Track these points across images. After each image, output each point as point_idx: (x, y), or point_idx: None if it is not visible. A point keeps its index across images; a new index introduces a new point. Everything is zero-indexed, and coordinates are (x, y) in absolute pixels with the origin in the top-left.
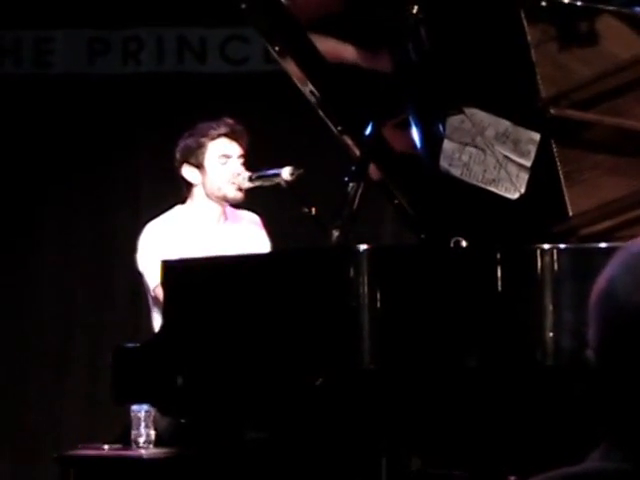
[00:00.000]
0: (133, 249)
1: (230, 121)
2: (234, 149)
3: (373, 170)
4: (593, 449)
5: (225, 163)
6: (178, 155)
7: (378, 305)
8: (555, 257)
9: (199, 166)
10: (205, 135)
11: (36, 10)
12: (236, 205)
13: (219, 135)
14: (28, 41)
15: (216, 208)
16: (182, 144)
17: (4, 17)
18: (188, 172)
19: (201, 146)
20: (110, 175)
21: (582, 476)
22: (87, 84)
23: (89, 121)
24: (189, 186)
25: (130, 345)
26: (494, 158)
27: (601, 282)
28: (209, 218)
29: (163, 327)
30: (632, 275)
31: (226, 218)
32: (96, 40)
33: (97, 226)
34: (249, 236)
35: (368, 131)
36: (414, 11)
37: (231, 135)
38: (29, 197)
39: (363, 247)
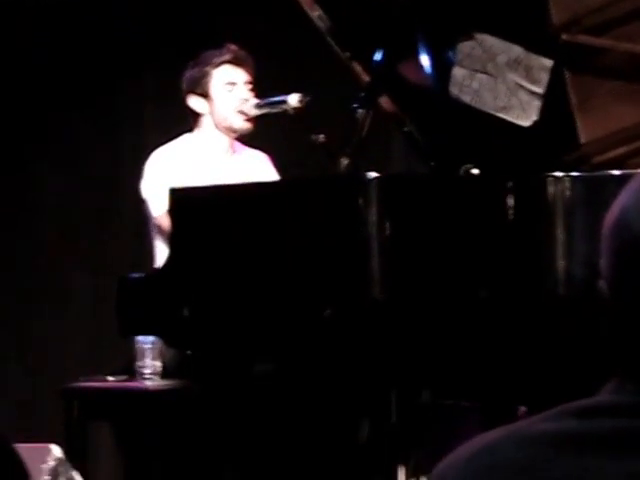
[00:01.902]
0: (138, 176)
1: (233, 47)
2: (239, 75)
3: (382, 97)
4: (606, 382)
5: (231, 90)
6: (184, 86)
7: (387, 234)
8: (567, 185)
9: (205, 95)
10: (208, 63)
11: None
12: (245, 142)
13: (222, 62)
14: None
15: (224, 139)
16: (187, 74)
17: None
18: (195, 102)
19: (205, 75)
20: (113, 99)
21: (594, 409)
22: (91, 2)
23: (93, 48)
24: (196, 116)
25: (135, 275)
26: (505, 85)
27: (613, 212)
28: (217, 149)
29: (170, 257)
30: None
31: (234, 151)
32: None
33: (100, 152)
34: (257, 171)
35: (377, 58)
36: None
37: (235, 61)
38: (29, 124)
39: (372, 175)
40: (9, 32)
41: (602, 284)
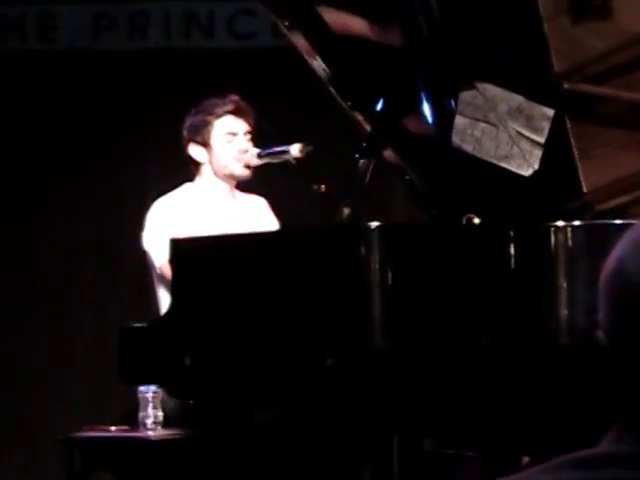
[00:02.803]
0: (139, 226)
1: (235, 97)
2: (240, 126)
3: (384, 146)
4: (607, 431)
5: (231, 141)
6: (185, 134)
7: (389, 283)
8: (569, 234)
9: (205, 144)
10: (210, 113)
11: None
12: (243, 188)
13: (224, 112)
14: (32, 16)
15: (224, 187)
16: (188, 122)
17: None
18: (195, 151)
19: (207, 124)
20: (116, 152)
21: (593, 460)
22: (92, 60)
23: (94, 98)
24: (197, 165)
25: (137, 325)
26: (507, 134)
27: (611, 261)
28: (217, 196)
29: (171, 306)
30: None
31: (233, 197)
32: (101, 15)
33: (102, 203)
34: (257, 217)
35: (379, 106)
36: None
37: (237, 112)
38: (33, 174)
39: (374, 224)
40: (14, 83)
41: (600, 334)
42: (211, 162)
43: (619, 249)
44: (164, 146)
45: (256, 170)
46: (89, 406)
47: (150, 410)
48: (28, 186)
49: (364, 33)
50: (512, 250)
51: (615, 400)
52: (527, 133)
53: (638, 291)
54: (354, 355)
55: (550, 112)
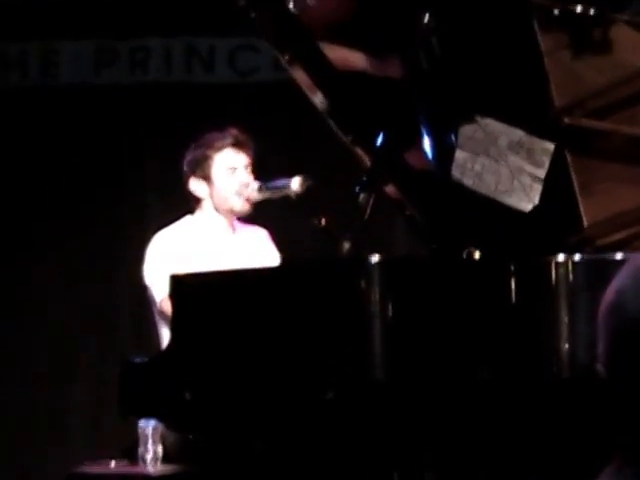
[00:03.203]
0: (139, 261)
1: (235, 131)
2: (240, 160)
3: (384, 180)
4: (607, 464)
5: (232, 174)
6: (185, 168)
7: (390, 317)
8: (570, 268)
9: (206, 178)
10: (211, 147)
11: (41, 21)
12: (244, 219)
13: (225, 146)
14: (34, 52)
15: (224, 220)
16: (188, 157)
17: (9, 28)
18: (195, 185)
19: (207, 158)
20: (117, 186)
21: None
22: (94, 95)
23: (96, 132)
24: (197, 199)
25: (137, 359)
26: (507, 168)
27: (610, 294)
28: (217, 230)
29: (171, 341)
30: None
31: (234, 230)
32: (103, 50)
33: (102, 237)
34: (257, 249)
35: (379, 141)
36: (425, 19)
37: (237, 145)
38: (34, 208)
39: (374, 258)
40: (17, 119)
41: (599, 367)
42: (212, 196)
43: (618, 281)
44: (165, 180)
45: (256, 203)
46: (90, 439)
47: (150, 445)
48: (29, 219)
49: (365, 68)
50: (513, 284)
51: (615, 433)
52: (527, 167)
53: (637, 324)
54: (354, 389)
55: (550, 146)
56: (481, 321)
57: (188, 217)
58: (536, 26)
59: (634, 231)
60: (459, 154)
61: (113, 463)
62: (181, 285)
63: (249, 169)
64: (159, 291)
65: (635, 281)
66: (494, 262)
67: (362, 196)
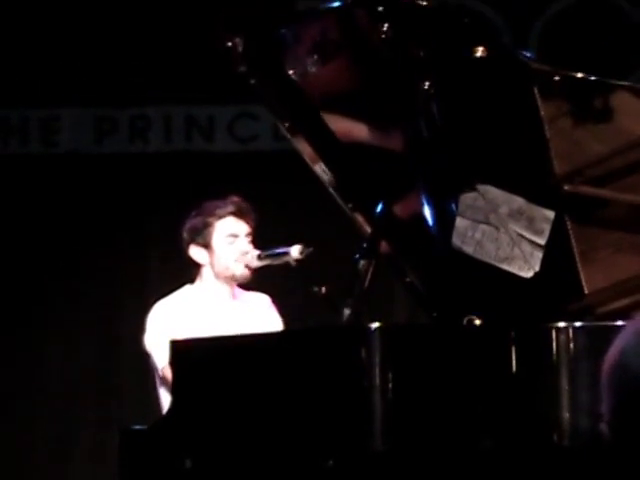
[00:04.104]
0: (140, 327)
1: (236, 199)
2: (241, 228)
3: (384, 248)
4: None
5: (233, 242)
6: (185, 235)
7: (390, 385)
8: (571, 336)
9: (206, 246)
10: (212, 214)
11: (42, 88)
12: (245, 285)
13: (226, 214)
14: (34, 120)
15: (224, 288)
16: (189, 224)
17: (10, 95)
18: (196, 252)
19: (208, 226)
20: (117, 254)
21: None
22: (94, 162)
23: (95, 201)
24: (197, 266)
25: (137, 427)
26: (508, 236)
27: (613, 353)
28: (218, 298)
29: (172, 408)
30: None
31: (234, 297)
32: (103, 119)
33: (103, 303)
34: (258, 316)
35: (379, 209)
36: (426, 87)
37: (238, 214)
38: (34, 277)
39: (375, 326)
40: (16, 187)
41: (604, 427)
42: (212, 264)
43: (621, 341)
44: (165, 248)
45: (257, 271)
46: None
47: None
48: (28, 287)
49: (365, 136)
50: (513, 351)
51: None
52: (528, 235)
53: None
54: (355, 457)
55: (551, 214)
56: (482, 389)
57: (187, 286)
58: (537, 93)
59: (635, 299)
60: (459, 222)
61: None
62: (181, 350)
63: (250, 238)
64: (160, 358)
65: (638, 340)
66: (495, 329)
67: (362, 263)
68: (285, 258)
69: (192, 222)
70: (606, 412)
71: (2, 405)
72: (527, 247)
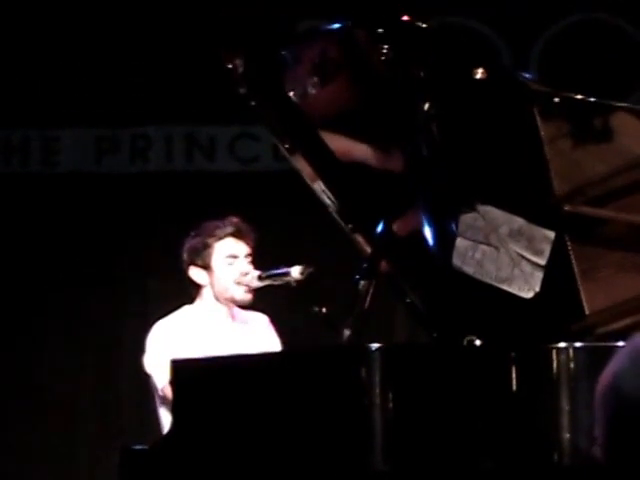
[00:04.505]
0: (140, 347)
1: (236, 220)
2: (241, 248)
3: (384, 268)
4: None
5: (232, 263)
6: (185, 256)
7: (390, 405)
8: (571, 356)
9: (206, 267)
10: (211, 235)
11: (43, 108)
12: (244, 305)
13: (225, 235)
14: (35, 139)
15: (223, 309)
16: (188, 245)
17: (11, 115)
18: (195, 273)
19: (207, 247)
20: (117, 274)
21: None
22: (94, 183)
23: (96, 221)
24: (197, 287)
25: (137, 447)
26: (508, 256)
27: (607, 376)
28: (217, 318)
29: (172, 428)
30: (638, 369)
31: (234, 318)
32: (103, 138)
33: (103, 326)
34: (258, 336)
35: (379, 229)
36: (426, 108)
37: (237, 234)
38: (34, 295)
39: (375, 346)
40: (17, 206)
41: (597, 450)
42: (212, 284)
43: (615, 364)
44: (165, 268)
45: (257, 291)
46: None
47: None
48: (29, 306)
49: (365, 156)
50: (514, 372)
51: None
52: (528, 255)
53: (634, 406)
54: (355, 477)
55: (551, 234)
56: (483, 409)
57: (187, 306)
58: (537, 114)
59: (635, 319)
60: (460, 242)
61: None
62: (182, 370)
63: (250, 258)
64: (161, 378)
65: (632, 363)
66: (495, 350)
67: (362, 284)
68: (286, 278)
69: (191, 243)
70: (599, 435)
71: (0, 422)
72: (527, 267)
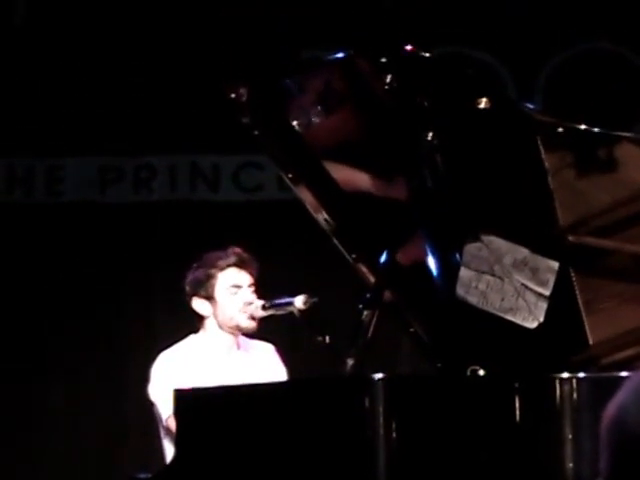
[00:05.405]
0: (145, 377)
1: (238, 250)
2: (244, 278)
3: (388, 297)
4: None
5: (236, 293)
6: (187, 288)
7: (394, 435)
8: (575, 386)
9: (209, 298)
10: (214, 266)
11: (47, 138)
12: (249, 334)
13: (228, 265)
14: (39, 169)
15: (228, 338)
16: (191, 277)
17: (15, 145)
18: (199, 304)
19: (210, 278)
20: (122, 304)
21: None
22: (98, 213)
23: (100, 250)
24: (201, 317)
25: (142, 476)
26: (512, 286)
27: (611, 409)
28: (222, 348)
29: (175, 458)
30: None
31: (239, 347)
32: (107, 168)
33: (108, 356)
34: (263, 365)
35: (383, 259)
36: (429, 137)
37: (240, 264)
38: (37, 326)
39: (378, 376)
40: (20, 236)
41: None
42: (215, 315)
43: (620, 397)
44: (170, 298)
45: (261, 321)
46: None
47: None
48: (32, 337)
49: (369, 187)
50: (517, 402)
51: None
52: (532, 285)
53: (638, 440)
54: None
55: (555, 265)
56: (486, 440)
57: (192, 336)
58: (540, 144)
59: (639, 350)
60: (464, 272)
61: None
62: (185, 400)
63: (253, 288)
64: (165, 409)
65: (636, 397)
66: (499, 380)
67: (365, 313)
68: (289, 308)
69: (194, 274)
70: (604, 468)
71: (3, 451)
72: (531, 298)
